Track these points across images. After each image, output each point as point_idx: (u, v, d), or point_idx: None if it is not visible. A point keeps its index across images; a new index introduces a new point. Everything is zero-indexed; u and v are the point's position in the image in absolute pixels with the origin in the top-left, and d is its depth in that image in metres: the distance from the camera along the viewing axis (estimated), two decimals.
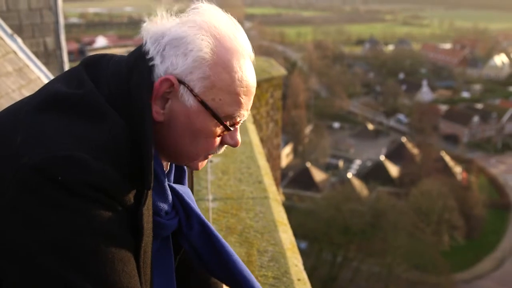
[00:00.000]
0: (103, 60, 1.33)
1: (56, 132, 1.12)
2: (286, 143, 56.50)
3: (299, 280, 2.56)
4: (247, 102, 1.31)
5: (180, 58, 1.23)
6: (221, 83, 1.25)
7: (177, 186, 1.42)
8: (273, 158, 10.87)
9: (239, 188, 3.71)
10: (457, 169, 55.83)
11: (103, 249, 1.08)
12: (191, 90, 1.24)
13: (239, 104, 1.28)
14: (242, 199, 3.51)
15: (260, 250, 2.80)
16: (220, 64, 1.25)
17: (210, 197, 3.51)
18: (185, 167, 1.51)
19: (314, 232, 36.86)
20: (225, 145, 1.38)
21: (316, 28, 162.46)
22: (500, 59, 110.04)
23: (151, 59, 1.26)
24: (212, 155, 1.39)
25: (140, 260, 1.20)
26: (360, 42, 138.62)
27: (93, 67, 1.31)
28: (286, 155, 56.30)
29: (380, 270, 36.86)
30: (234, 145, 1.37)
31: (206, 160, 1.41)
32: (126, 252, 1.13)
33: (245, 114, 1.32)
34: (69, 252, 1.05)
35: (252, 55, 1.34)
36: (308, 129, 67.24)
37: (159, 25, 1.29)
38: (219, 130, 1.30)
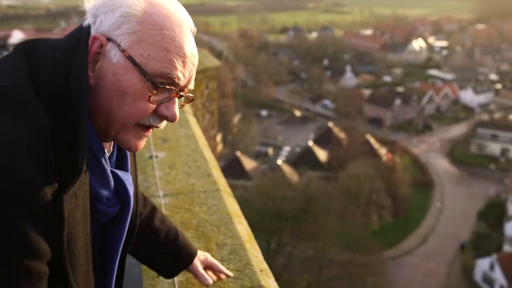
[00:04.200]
0: (39, 45, 1.24)
1: None
2: None
3: (261, 271, 2.55)
4: (182, 64, 1.22)
5: (109, 15, 1.20)
6: (149, 39, 1.18)
7: (119, 172, 1.34)
8: (211, 149, 10.81)
9: (188, 182, 3.63)
10: (382, 151, 57.71)
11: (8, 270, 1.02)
12: (118, 45, 1.18)
13: (170, 62, 1.19)
14: (193, 193, 3.44)
15: (218, 244, 2.77)
16: (150, 22, 1.19)
17: (161, 193, 3.41)
18: (127, 153, 1.42)
19: (247, 220, 36.88)
20: (163, 120, 1.28)
21: (241, 17, 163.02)
22: (418, 44, 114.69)
23: (88, 25, 1.22)
24: (148, 129, 1.27)
25: (64, 250, 1.11)
26: (284, 30, 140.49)
27: (31, 53, 1.21)
28: None
29: (313, 254, 37.60)
30: (171, 117, 1.26)
31: (143, 141, 1.30)
32: (35, 264, 1.05)
33: (181, 78, 1.23)
34: None
35: (193, 28, 1.29)
36: (236, 118, 67.44)
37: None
38: (148, 91, 1.19)
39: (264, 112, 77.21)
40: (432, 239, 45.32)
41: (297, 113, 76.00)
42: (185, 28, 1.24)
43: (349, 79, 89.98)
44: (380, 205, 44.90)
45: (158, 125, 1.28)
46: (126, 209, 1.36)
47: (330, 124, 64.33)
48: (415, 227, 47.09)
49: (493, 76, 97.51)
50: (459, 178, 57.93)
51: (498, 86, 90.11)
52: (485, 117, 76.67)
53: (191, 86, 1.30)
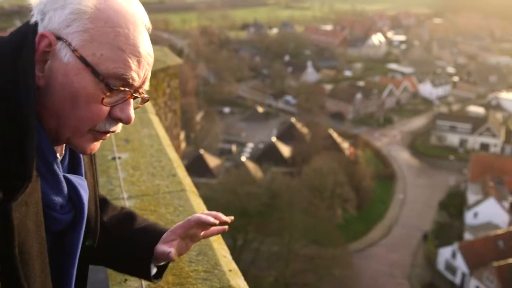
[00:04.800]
0: None
1: None
2: None
3: (230, 271, 2.52)
4: (137, 64, 1.15)
5: (58, 11, 1.13)
6: (102, 37, 1.11)
7: (72, 177, 1.25)
8: (174, 148, 10.72)
9: (153, 183, 3.55)
10: (345, 145, 58.33)
11: None
12: (69, 45, 1.11)
13: (125, 63, 1.13)
14: (158, 194, 3.36)
15: None
16: (103, 18, 1.12)
17: (125, 195, 3.33)
18: (81, 156, 1.33)
19: None
20: (119, 123, 1.21)
21: (201, 14, 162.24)
22: (377, 39, 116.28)
23: (35, 22, 1.14)
24: (103, 134, 1.20)
25: (17, 262, 1.04)
26: (245, 26, 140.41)
27: None
28: None
29: (279, 249, 37.74)
30: (126, 120, 1.19)
31: (98, 143, 1.23)
32: None
33: (136, 78, 1.16)
34: None
35: (148, 24, 1.22)
36: (199, 116, 67.09)
37: None
38: (101, 93, 1.12)
39: (226, 109, 77.05)
40: (396, 230, 46.08)
41: (260, 109, 76.09)
42: (140, 25, 1.18)
43: (310, 74, 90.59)
44: (344, 198, 45.39)
45: (114, 129, 1.21)
46: (80, 215, 1.28)
47: (293, 119, 64.63)
48: (379, 219, 47.80)
49: (451, 69, 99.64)
50: (420, 169, 59.09)
51: (456, 78, 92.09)
52: (443, 109, 78.38)
53: (146, 86, 1.23)
